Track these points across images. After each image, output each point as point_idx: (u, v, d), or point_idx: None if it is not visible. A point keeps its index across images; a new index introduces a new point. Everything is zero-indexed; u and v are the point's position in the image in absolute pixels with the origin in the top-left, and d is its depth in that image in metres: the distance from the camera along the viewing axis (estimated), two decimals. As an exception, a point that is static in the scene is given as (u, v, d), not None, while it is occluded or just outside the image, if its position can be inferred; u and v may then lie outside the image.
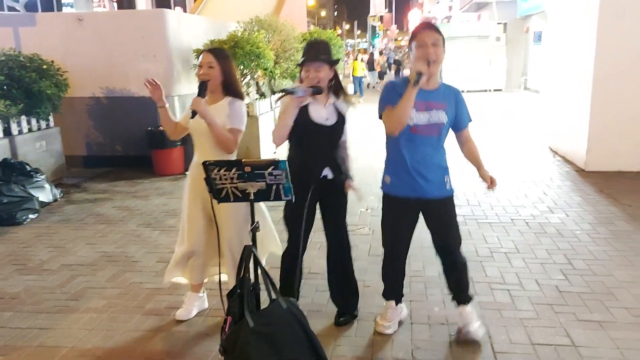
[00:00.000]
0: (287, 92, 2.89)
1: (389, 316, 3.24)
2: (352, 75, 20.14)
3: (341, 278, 3.36)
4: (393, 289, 3.30)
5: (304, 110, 2.99)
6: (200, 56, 3.18)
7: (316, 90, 2.93)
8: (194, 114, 2.98)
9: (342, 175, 3.16)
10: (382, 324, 3.22)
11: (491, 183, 3.06)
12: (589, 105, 7.00)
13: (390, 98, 2.86)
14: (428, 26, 2.89)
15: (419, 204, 3.02)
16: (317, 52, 3.02)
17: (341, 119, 3.10)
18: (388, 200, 3.12)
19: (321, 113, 3.04)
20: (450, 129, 3.02)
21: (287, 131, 2.95)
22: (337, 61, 3.12)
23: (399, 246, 3.17)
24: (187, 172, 3.35)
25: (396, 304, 3.28)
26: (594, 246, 4.51)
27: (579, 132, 7.38)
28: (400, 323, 3.29)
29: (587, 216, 5.29)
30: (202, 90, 3.05)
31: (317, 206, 3.23)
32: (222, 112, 3.12)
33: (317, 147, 3.06)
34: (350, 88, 19.17)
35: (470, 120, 3.08)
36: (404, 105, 2.74)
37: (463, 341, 3.09)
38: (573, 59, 7.70)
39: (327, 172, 3.09)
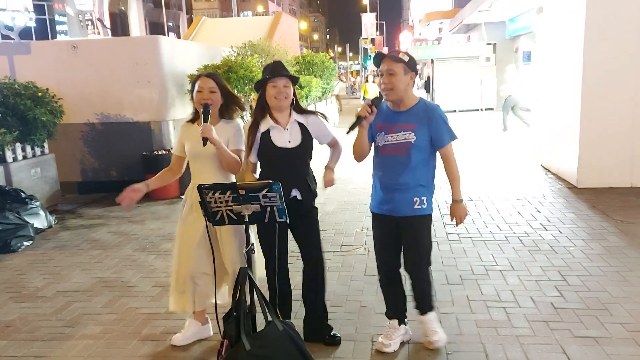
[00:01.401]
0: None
1: (390, 335, 3.25)
2: (364, 98, 19.01)
3: (310, 297, 3.35)
4: (393, 307, 3.31)
5: (265, 137, 3.11)
6: (199, 80, 3.21)
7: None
8: (205, 140, 3.01)
9: (312, 194, 3.20)
10: (382, 342, 3.23)
11: (454, 220, 3.11)
12: (579, 123, 7.11)
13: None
14: (383, 56, 3.02)
15: (394, 220, 3.10)
16: (281, 68, 3.13)
17: (307, 138, 3.14)
18: (372, 218, 3.27)
19: (284, 137, 3.12)
20: (430, 148, 3.05)
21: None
22: (298, 78, 3.25)
23: (388, 263, 3.24)
24: (182, 196, 3.37)
25: (399, 324, 3.29)
26: (587, 262, 4.54)
27: (570, 149, 7.48)
28: (402, 344, 3.29)
29: (580, 232, 5.34)
30: (207, 115, 3.08)
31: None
32: (221, 134, 3.16)
33: (282, 170, 3.11)
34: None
35: (450, 139, 3.05)
36: (355, 145, 3.11)
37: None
38: (562, 78, 7.83)
39: (296, 193, 3.14)
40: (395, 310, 3.30)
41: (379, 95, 3.03)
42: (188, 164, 3.37)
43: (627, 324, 3.44)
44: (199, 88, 3.19)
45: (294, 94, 3.20)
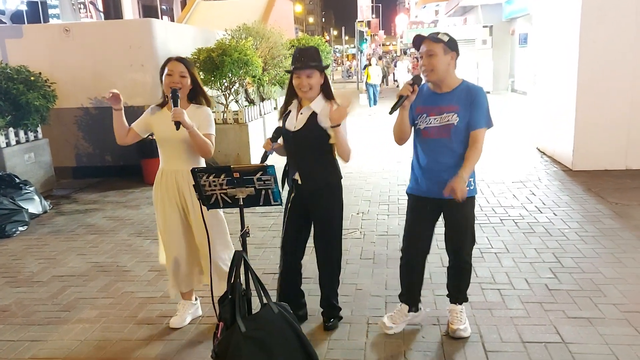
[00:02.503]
0: (263, 160, 2.92)
1: (397, 318, 3.26)
2: (366, 83, 17.13)
3: (328, 285, 3.35)
4: (408, 293, 3.29)
5: (285, 118, 3.18)
6: (169, 64, 3.17)
7: (275, 138, 3.04)
8: (178, 124, 2.98)
9: (315, 182, 3.15)
10: (384, 322, 3.24)
11: (449, 190, 2.86)
12: (575, 106, 7.10)
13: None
14: (423, 38, 2.96)
15: (435, 204, 3.05)
16: (307, 58, 3.04)
17: (312, 124, 3.06)
18: (409, 201, 3.21)
19: (292, 120, 3.13)
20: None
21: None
22: (327, 67, 3.16)
23: (417, 247, 3.19)
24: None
25: (408, 311, 3.28)
26: (582, 244, 4.56)
27: (565, 132, 7.47)
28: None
29: (575, 215, 5.36)
30: (177, 99, 3.05)
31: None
32: (193, 119, 3.13)
33: (290, 152, 3.20)
34: (363, 98, 17.23)
35: (486, 125, 2.97)
36: (396, 129, 3.04)
37: (452, 338, 3.13)
38: (558, 60, 7.80)
39: (297, 177, 3.15)
40: (409, 297, 3.29)
41: (417, 76, 2.91)
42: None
43: (620, 304, 3.47)
44: (168, 71, 3.14)
45: (326, 80, 3.14)
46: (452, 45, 2.93)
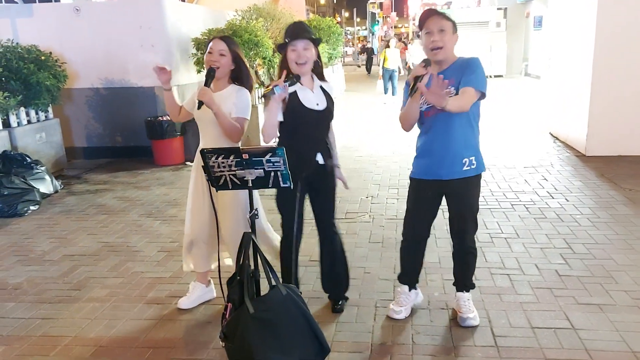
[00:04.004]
0: (267, 96, 2.82)
1: (402, 301, 3.25)
2: (382, 68, 14.96)
3: (329, 263, 3.33)
4: (408, 274, 3.28)
5: (294, 98, 2.95)
6: (211, 42, 3.13)
7: (292, 82, 2.85)
8: (200, 104, 2.95)
9: (331, 159, 3.15)
10: (392, 309, 3.23)
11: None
12: (589, 90, 6.97)
13: (406, 96, 2.94)
14: (434, 13, 2.87)
15: (437, 186, 3.00)
16: (301, 30, 2.98)
17: (330, 102, 3.08)
18: (411, 183, 3.15)
19: (311, 98, 3.01)
20: (473, 105, 2.85)
21: (276, 129, 2.93)
22: (320, 40, 3.09)
23: (418, 229, 3.16)
24: (187, 162, 3.34)
25: (409, 289, 3.28)
26: (594, 230, 4.51)
27: (579, 117, 7.36)
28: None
29: (587, 201, 5.30)
30: (210, 78, 3.02)
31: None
32: (228, 100, 3.11)
33: (308, 133, 3.03)
34: (379, 85, 15.54)
35: (473, 86, 2.75)
36: (406, 115, 2.94)
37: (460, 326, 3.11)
38: (573, 43, 7.66)
39: (319, 158, 3.08)
40: (410, 277, 3.28)
41: (426, 58, 2.79)
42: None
43: (632, 291, 3.44)
44: (209, 49, 3.12)
45: (319, 58, 3.07)
46: (456, 27, 2.88)
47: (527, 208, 5.16)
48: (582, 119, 7.22)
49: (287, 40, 2.95)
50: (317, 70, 3.10)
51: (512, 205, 5.27)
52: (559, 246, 4.22)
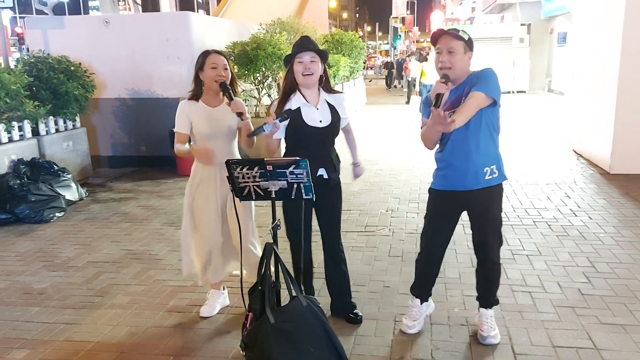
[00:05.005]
0: (256, 133, 2.89)
1: (414, 315, 3.24)
2: (420, 83, 14.48)
3: (333, 274, 3.37)
4: (421, 287, 3.27)
5: (297, 115, 3.02)
6: (209, 56, 3.19)
7: (283, 118, 2.91)
8: (240, 115, 3.07)
9: (336, 172, 3.20)
10: (406, 324, 3.22)
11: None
12: (614, 107, 6.90)
13: (425, 111, 2.96)
14: (444, 32, 2.88)
15: (458, 198, 2.99)
16: (308, 42, 3.04)
17: (336, 117, 3.11)
18: (430, 195, 3.15)
19: (314, 115, 3.06)
20: (493, 111, 2.88)
21: (278, 144, 3.11)
22: (327, 54, 3.15)
23: (435, 243, 3.14)
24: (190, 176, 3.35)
25: (421, 302, 3.27)
26: (618, 249, 4.45)
27: (603, 134, 7.28)
28: (424, 322, 3.29)
29: (611, 219, 5.22)
30: (229, 91, 3.12)
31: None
32: (228, 112, 3.20)
33: (311, 150, 3.04)
34: (418, 102, 14.68)
35: (482, 90, 2.74)
36: (427, 134, 2.95)
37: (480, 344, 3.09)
38: (598, 60, 7.59)
39: (323, 172, 3.12)
40: (423, 291, 3.27)
41: (445, 74, 2.79)
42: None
43: (656, 312, 3.38)
44: (212, 64, 3.17)
45: (325, 72, 3.13)
46: (470, 45, 2.87)
47: (549, 225, 5.10)
48: (607, 136, 7.13)
49: (294, 52, 3.02)
50: (326, 85, 3.16)
51: (534, 222, 5.21)
52: (581, 264, 4.16)
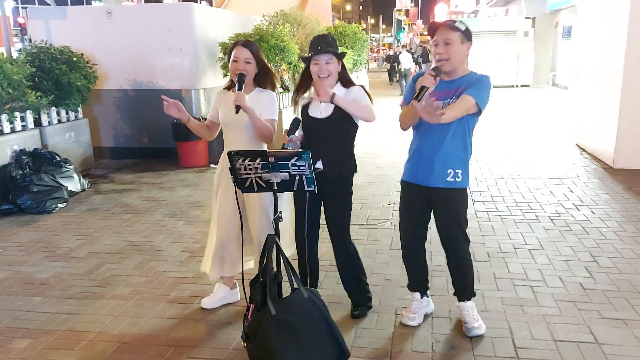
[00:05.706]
0: (285, 148, 2.93)
1: (414, 308, 3.24)
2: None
3: (345, 272, 3.37)
4: (415, 280, 3.28)
5: (306, 107, 3.16)
6: (235, 49, 3.18)
7: (292, 131, 3.02)
8: (237, 108, 3.03)
9: (339, 168, 3.15)
10: (406, 316, 3.23)
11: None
12: (619, 102, 6.86)
13: (408, 95, 2.99)
14: (440, 24, 2.88)
15: (425, 191, 3.01)
16: (325, 44, 3.05)
17: (339, 112, 3.05)
18: (401, 186, 3.18)
19: (318, 107, 3.11)
20: (474, 119, 2.93)
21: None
22: (344, 54, 3.16)
23: (411, 234, 3.17)
24: (211, 165, 3.38)
25: (421, 297, 3.27)
26: (620, 244, 4.43)
27: (607, 129, 7.25)
28: (425, 316, 3.29)
29: (614, 214, 5.21)
30: (242, 84, 3.09)
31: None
32: (255, 103, 3.17)
33: (312, 140, 3.13)
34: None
35: (473, 96, 2.78)
36: (405, 118, 3.01)
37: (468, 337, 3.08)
38: (603, 54, 7.55)
39: (319, 165, 3.07)
40: (417, 284, 3.28)
41: (437, 67, 2.80)
42: (221, 132, 3.39)
43: (658, 307, 3.37)
44: (234, 57, 3.16)
45: (343, 68, 3.14)
46: (468, 35, 2.86)
47: (551, 219, 5.09)
48: (611, 131, 7.10)
49: (311, 54, 3.05)
50: (344, 81, 3.16)
51: (536, 216, 5.20)
52: (584, 259, 4.15)
